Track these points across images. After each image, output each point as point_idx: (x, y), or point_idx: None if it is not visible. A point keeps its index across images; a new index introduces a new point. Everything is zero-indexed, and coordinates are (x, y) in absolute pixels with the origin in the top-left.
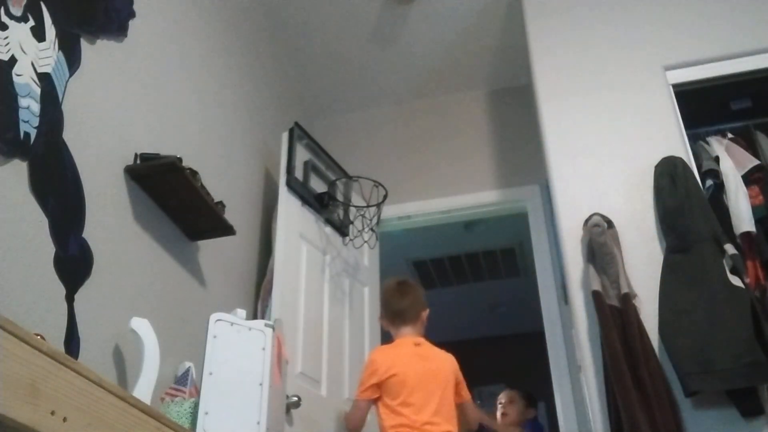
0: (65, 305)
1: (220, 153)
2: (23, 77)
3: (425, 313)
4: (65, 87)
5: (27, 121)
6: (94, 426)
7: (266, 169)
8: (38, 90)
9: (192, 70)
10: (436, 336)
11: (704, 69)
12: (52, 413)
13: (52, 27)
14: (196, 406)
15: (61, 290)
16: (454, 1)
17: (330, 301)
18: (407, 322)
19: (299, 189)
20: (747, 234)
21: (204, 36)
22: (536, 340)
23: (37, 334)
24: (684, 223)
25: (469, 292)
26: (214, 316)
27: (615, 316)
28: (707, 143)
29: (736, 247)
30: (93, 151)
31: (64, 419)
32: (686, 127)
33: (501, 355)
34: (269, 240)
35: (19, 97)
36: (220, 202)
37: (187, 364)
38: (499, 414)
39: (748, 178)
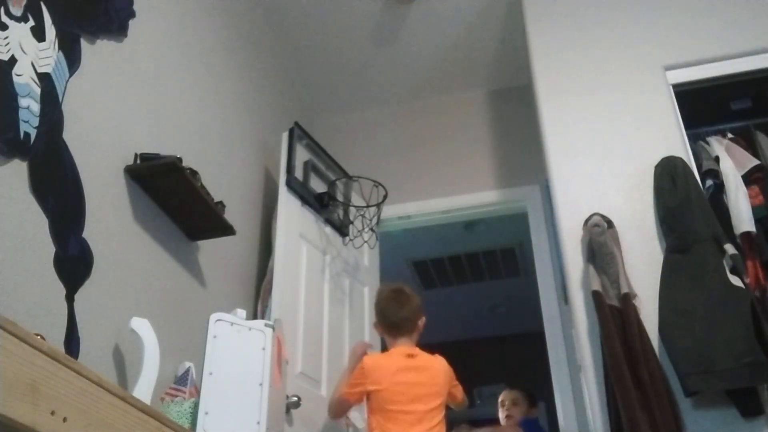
0: (65, 305)
1: (220, 153)
2: (23, 77)
3: (422, 322)
4: (65, 87)
5: (27, 121)
6: (94, 426)
7: (266, 169)
8: (38, 90)
9: (192, 70)
10: (437, 336)
11: (704, 69)
12: (52, 413)
13: (52, 27)
14: (196, 406)
15: (61, 290)
16: (454, 1)
17: (330, 301)
18: (403, 333)
19: (299, 189)
20: (747, 234)
21: (204, 36)
22: (536, 340)
23: (37, 334)
24: (684, 223)
25: (469, 292)
26: (214, 316)
27: (615, 316)
28: (707, 143)
29: (736, 247)
30: (93, 151)
31: (64, 419)
32: (686, 127)
33: (501, 355)
34: (269, 240)
35: (19, 97)
36: (220, 202)
37: (187, 364)
38: (502, 416)
39: (748, 178)
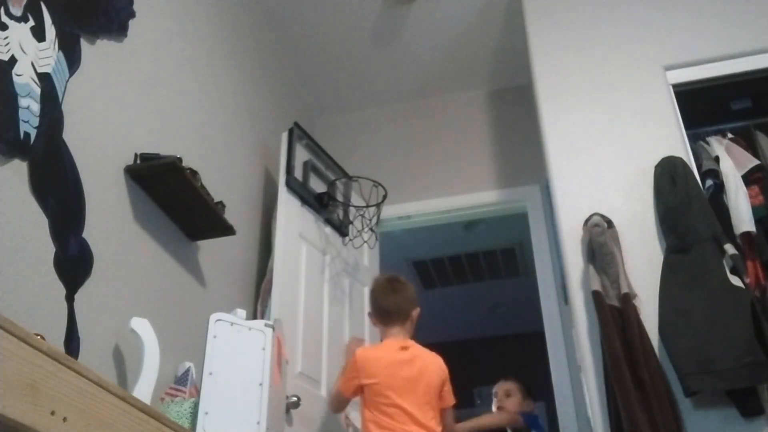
0: (65, 305)
1: (220, 153)
2: (23, 77)
3: (415, 313)
4: (65, 87)
5: (27, 121)
6: (94, 426)
7: (266, 169)
8: (38, 90)
9: (192, 70)
10: (437, 336)
11: (704, 69)
12: (52, 413)
13: (52, 27)
14: (196, 406)
15: (61, 290)
16: (454, 0)
17: (330, 301)
18: (395, 321)
19: (299, 189)
20: (747, 234)
21: (204, 36)
22: (536, 340)
23: (37, 334)
24: (684, 223)
25: (469, 292)
26: (214, 316)
27: (615, 316)
28: (707, 143)
29: (736, 247)
30: (93, 151)
31: (64, 419)
32: (686, 127)
33: (501, 355)
34: (269, 240)
35: (19, 97)
36: (220, 202)
37: (187, 364)
38: (495, 408)
39: (748, 178)
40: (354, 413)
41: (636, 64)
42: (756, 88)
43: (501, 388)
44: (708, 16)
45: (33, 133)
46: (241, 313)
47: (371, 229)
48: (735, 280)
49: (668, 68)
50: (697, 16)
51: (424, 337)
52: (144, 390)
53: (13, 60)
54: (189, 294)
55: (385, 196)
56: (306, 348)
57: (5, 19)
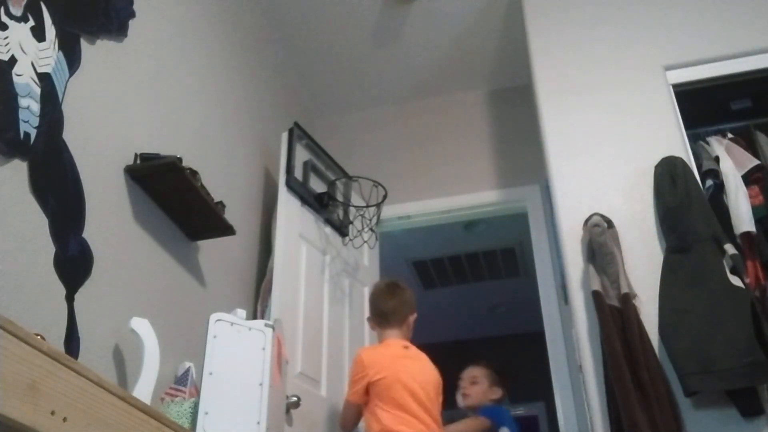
0: (65, 305)
1: (220, 153)
2: (23, 77)
3: (413, 318)
4: (65, 87)
5: (27, 121)
6: (94, 426)
7: (266, 169)
8: (38, 90)
9: (192, 70)
10: (437, 336)
11: (704, 69)
12: (52, 413)
13: (52, 27)
14: (196, 406)
15: (61, 290)
16: (454, 0)
17: (330, 301)
18: (393, 324)
19: (299, 189)
20: (747, 234)
21: (204, 36)
22: (536, 340)
23: (37, 334)
24: (684, 223)
25: (469, 292)
26: (214, 316)
27: (615, 316)
28: (707, 143)
29: (736, 247)
30: (93, 151)
31: (64, 419)
32: (686, 127)
33: (501, 355)
34: (269, 240)
35: (19, 97)
36: (220, 202)
37: (187, 364)
38: (459, 396)
39: (748, 178)
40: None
41: (636, 64)
42: (756, 88)
43: (467, 374)
44: (708, 16)
45: (33, 133)
46: (241, 313)
47: (371, 229)
48: (735, 280)
49: (668, 68)
50: (697, 16)
51: (424, 337)
52: (144, 390)
53: (13, 60)
54: (189, 294)
55: (385, 196)
56: (306, 348)
57: (5, 19)
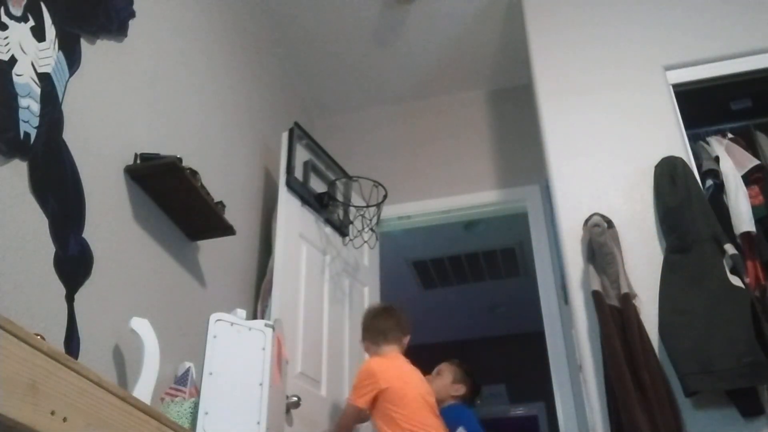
0: (65, 305)
1: (220, 153)
2: (23, 77)
3: (407, 340)
4: (65, 87)
5: (27, 121)
6: (94, 426)
7: (266, 169)
8: (38, 90)
9: (192, 70)
10: (437, 336)
11: (704, 69)
12: (52, 413)
13: (52, 27)
14: (196, 406)
15: (61, 290)
16: (454, 1)
17: (330, 301)
18: (392, 341)
19: (299, 189)
20: (747, 234)
21: (204, 36)
22: (536, 340)
23: (37, 334)
24: (684, 223)
25: (469, 292)
26: (214, 316)
27: (615, 316)
28: (707, 143)
29: (736, 247)
30: (93, 151)
31: (64, 419)
32: (686, 127)
33: (501, 355)
34: (269, 240)
35: (19, 97)
36: (220, 202)
37: (187, 364)
38: None
39: (748, 178)
40: None
41: (636, 64)
42: (756, 88)
43: (436, 368)
44: (708, 16)
45: (33, 133)
46: (241, 313)
47: (371, 229)
48: (735, 280)
49: (668, 68)
50: (697, 16)
51: (425, 337)
52: (144, 390)
53: (13, 60)
54: (189, 294)
55: (385, 196)
56: (306, 348)
57: (5, 19)
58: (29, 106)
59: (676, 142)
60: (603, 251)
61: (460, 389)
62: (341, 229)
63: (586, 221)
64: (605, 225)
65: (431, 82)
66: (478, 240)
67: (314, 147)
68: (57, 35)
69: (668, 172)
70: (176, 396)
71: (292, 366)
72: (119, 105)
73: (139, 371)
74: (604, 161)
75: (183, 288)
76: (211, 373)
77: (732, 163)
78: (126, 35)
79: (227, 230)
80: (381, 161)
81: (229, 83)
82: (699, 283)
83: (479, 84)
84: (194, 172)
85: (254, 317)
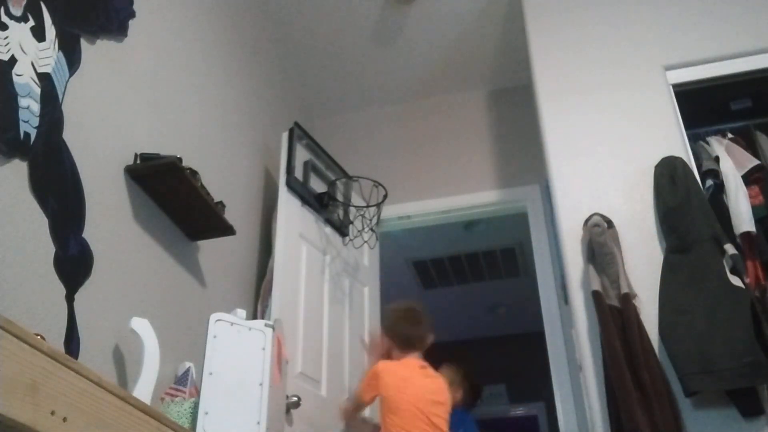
0: (65, 305)
1: (220, 153)
2: (23, 77)
3: (430, 340)
4: (65, 87)
5: (27, 121)
6: (94, 426)
7: (266, 169)
8: (38, 90)
9: (192, 70)
10: (437, 336)
11: (704, 69)
12: (52, 413)
13: (52, 27)
14: (196, 406)
15: (61, 290)
16: (454, 1)
17: (330, 301)
18: (416, 348)
19: (299, 189)
20: (747, 234)
21: (204, 36)
22: (536, 340)
23: (37, 334)
24: (684, 223)
25: (469, 292)
26: (214, 316)
27: (615, 316)
28: (707, 143)
29: (736, 247)
30: (93, 151)
31: (64, 419)
32: (686, 127)
33: (501, 355)
34: (269, 240)
35: (19, 97)
36: (220, 202)
37: (187, 364)
38: None
39: (748, 178)
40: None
41: (636, 64)
42: (756, 88)
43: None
44: (708, 16)
45: (33, 133)
46: (241, 313)
47: (371, 229)
48: (735, 280)
49: (668, 68)
50: (697, 16)
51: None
52: (144, 390)
53: (13, 60)
54: (189, 294)
55: (385, 196)
56: (306, 348)
57: (5, 19)
58: (29, 106)
59: (676, 142)
60: (603, 251)
61: (457, 397)
62: (341, 229)
63: (586, 221)
64: (605, 225)
65: (431, 82)
66: (478, 240)
67: (314, 147)
68: (57, 35)
69: (668, 172)
70: (176, 396)
71: (292, 366)
72: (119, 105)
73: (139, 371)
74: (604, 161)
75: (183, 288)
76: (211, 373)
77: (732, 163)
78: (126, 35)
79: (227, 230)
80: (381, 161)
81: (230, 83)
82: (699, 283)
83: (479, 84)
84: (194, 172)
85: (254, 317)
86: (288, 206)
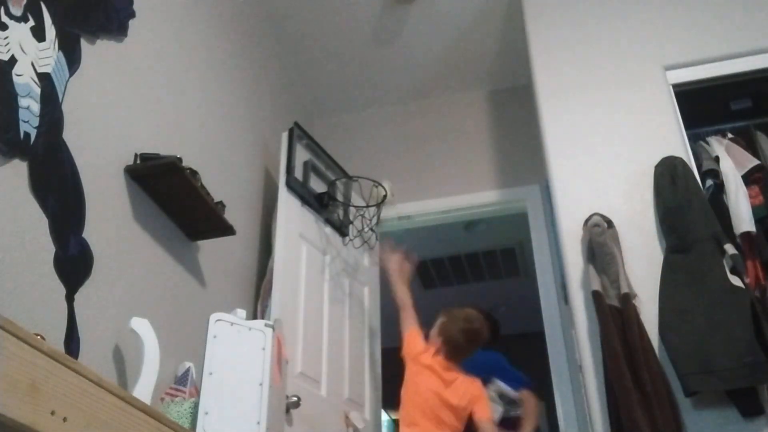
0: (65, 305)
1: (220, 153)
2: (23, 77)
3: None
4: (65, 87)
5: (27, 121)
6: (94, 426)
7: (266, 169)
8: (38, 90)
9: (192, 69)
10: None
11: (704, 69)
12: (52, 413)
13: (52, 27)
14: (196, 406)
15: (61, 290)
16: (454, 1)
17: (330, 301)
18: (456, 358)
19: (299, 189)
20: (747, 234)
21: (204, 36)
22: (536, 340)
23: (37, 334)
24: (684, 223)
25: (469, 292)
26: (214, 316)
27: (615, 316)
28: (707, 143)
29: (736, 247)
30: (93, 151)
31: (64, 419)
32: (686, 127)
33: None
34: (269, 240)
35: (19, 97)
36: (220, 202)
37: (187, 364)
38: None
39: (748, 178)
40: (354, 413)
41: (636, 64)
42: (756, 88)
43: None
44: (708, 16)
45: (33, 133)
46: (241, 313)
47: (371, 229)
48: (735, 280)
49: (668, 68)
50: (697, 16)
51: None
52: (144, 390)
53: (13, 60)
54: (189, 294)
55: (385, 197)
56: (306, 348)
57: (5, 19)
58: (29, 106)
59: (676, 142)
60: (603, 251)
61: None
62: (341, 229)
63: (586, 221)
64: (605, 225)
65: (431, 82)
66: (478, 240)
67: (314, 147)
68: (57, 35)
69: (668, 172)
70: (176, 396)
71: (292, 366)
72: (119, 105)
73: (139, 371)
74: (604, 161)
75: (183, 288)
76: (211, 373)
77: (732, 163)
78: (126, 35)
79: (227, 230)
80: (381, 161)
81: (229, 83)
82: (699, 283)
83: (479, 84)
84: (194, 172)
85: (254, 317)
86: (288, 206)
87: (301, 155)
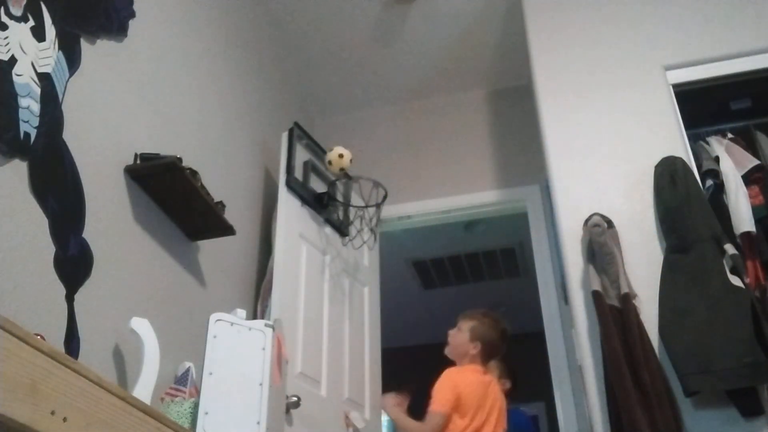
0: (65, 305)
1: (220, 153)
2: (23, 77)
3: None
4: (65, 87)
5: (27, 121)
6: (94, 426)
7: (266, 169)
8: (38, 90)
9: (192, 69)
10: (437, 336)
11: (704, 69)
12: (52, 413)
13: (52, 27)
14: (196, 406)
15: (61, 290)
16: (454, 0)
17: (330, 301)
18: (491, 359)
19: (299, 189)
20: (747, 234)
21: (204, 36)
22: (536, 340)
23: (37, 334)
24: (684, 223)
25: (469, 292)
26: (214, 316)
27: (615, 316)
28: (707, 143)
29: (736, 247)
30: (93, 151)
31: (64, 419)
32: (686, 127)
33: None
34: (269, 240)
35: (19, 97)
36: (220, 202)
37: (187, 364)
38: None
39: (748, 178)
40: (354, 413)
41: (636, 64)
42: (756, 88)
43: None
44: (708, 16)
45: (33, 133)
46: (241, 313)
47: (371, 229)
48: (735, 280)
49: (668, 68)
50: (697, 16)
51: (425, 337)
52: (144, 390)
53: (13, 60)
54: (189, 294)
55: (385, 196)
56: (306, 348)
57: (5, 19)
58: (29, 106)
59: (676, 142)
60: (603, 251)
61: (506, 384)
62: (341, 229)
63: (586, 221)
64: (605, 225)
65: (431, 82)
66: (478, 240)
67: (314, 147)
68: (57, 35)
69: (668, 172)
70: (176, 396)
71: (292, 366)
72: (119, 105)
73: (139, 371)
74: (604, 161)
75: (183, 288)
76: (211, 373)
77: (732, 163)
78: (126, 35)
79: (227, 230)
80: (381, 161)
81: (229, 83)
82: (699, 283)
83: (479, 84)
84: (194, 172)
85: (254, 317)
86: (288, 206)
87: (301, 155)
